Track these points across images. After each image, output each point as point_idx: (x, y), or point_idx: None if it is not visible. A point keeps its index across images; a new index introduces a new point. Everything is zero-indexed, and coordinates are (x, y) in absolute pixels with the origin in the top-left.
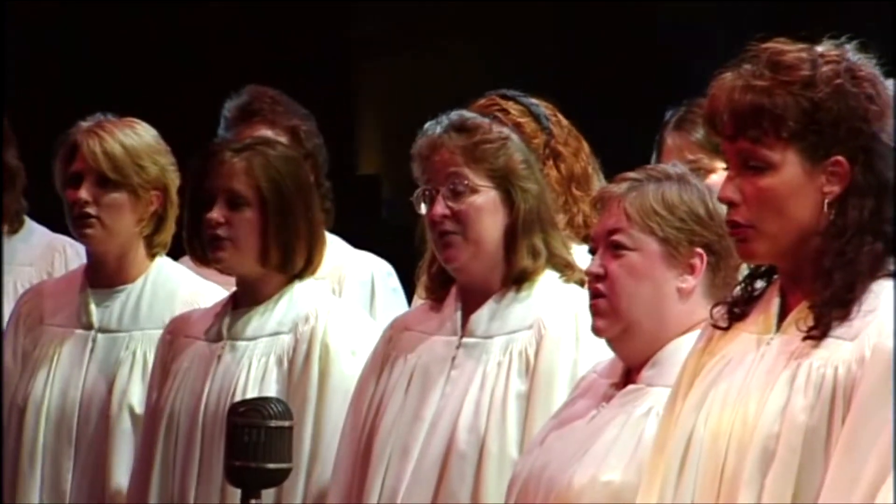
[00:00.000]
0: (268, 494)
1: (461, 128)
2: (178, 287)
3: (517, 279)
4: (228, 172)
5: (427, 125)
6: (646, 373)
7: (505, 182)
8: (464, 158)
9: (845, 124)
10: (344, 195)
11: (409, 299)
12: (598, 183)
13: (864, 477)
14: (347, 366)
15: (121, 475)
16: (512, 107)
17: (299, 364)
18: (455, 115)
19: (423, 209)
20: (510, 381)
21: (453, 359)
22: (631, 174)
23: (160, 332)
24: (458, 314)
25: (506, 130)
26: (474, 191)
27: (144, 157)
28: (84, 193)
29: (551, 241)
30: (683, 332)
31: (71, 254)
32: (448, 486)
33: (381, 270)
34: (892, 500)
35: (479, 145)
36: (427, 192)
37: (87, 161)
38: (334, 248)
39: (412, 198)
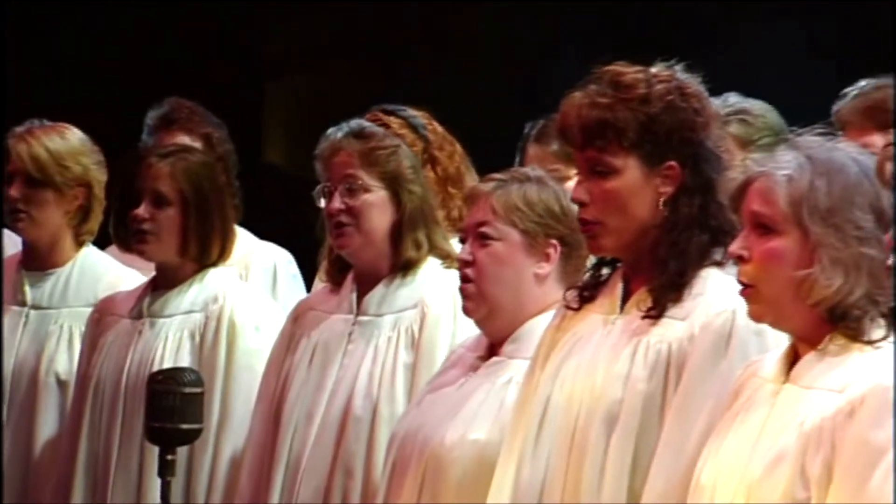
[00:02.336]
0: (181, 451)
1: (359, 135)
2: (101, 271)
3: (403, 266)
4: (154, 175)
5: (330, 130)
6: (507, 347)
7: (394, 184)
8: (359, 161)
9: (677, 134)
10: (251, 191)
11: (308, 283)
12: (471, 181)
13: (693, 436)
14: (252, 340)
15: (46, 433)
16: (392, 120)
17: (209, 338)
18: (355, 123)
19: (322, 203)
20: (398, 354)
21: (350, 335)
22: (497, 175)
23: (85, 309)
24: (354, 296)
25: (397, 140)
26: (367, 190)
27: (68, 158)
28: (15, 191)
29: (433, 235)
30: (539, 312)
31: (9, 243)
32: (346, 445)
33: (282, 258)
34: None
35: (373, 151)
36: (326, 189)
37: (16, 163)
38: (241, 238)
39: (313, 192)
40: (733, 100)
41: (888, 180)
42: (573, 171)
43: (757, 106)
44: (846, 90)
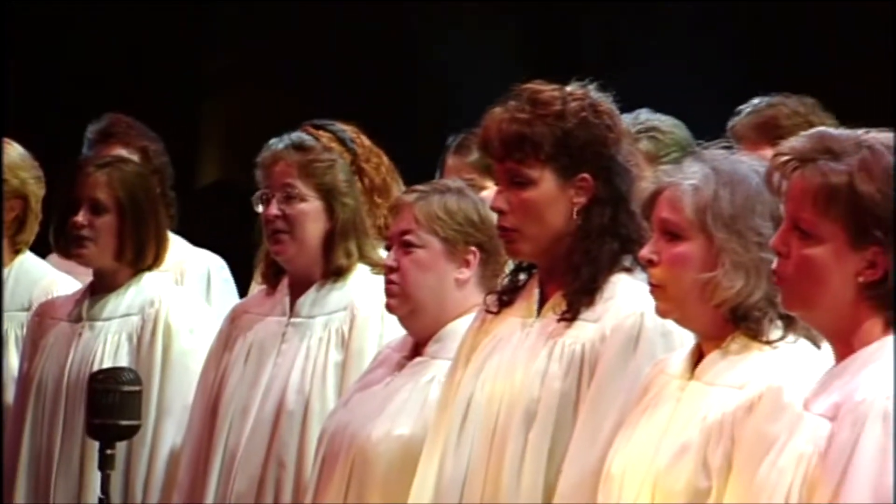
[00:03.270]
0: (120, 446)
1: (299, 147)
2: (37, 276)
3: (335, 272)
4: (92, 183)
5: (272, 140)
6: (430, 347)
7: (328, 195)
8: (297, 172)
9: (590, 148)
10: (186, 202)
11: (241, 286)
12: (398, 191)
13: (604, 430)
14: (186, 341)
15: None
16: (322, 134)
17: (146, 340)
18: (295, 135)
19: (260, 208)
20: (329, 353)
21: (283, 335)
22: (420, 186)
23: (21, 313)
24: (287, 299)
25: (334, 154)
26: (303, 199)
27: (7, 171)
28: None
29: (363, 244)
30: (461, 315)
31: None
32: (280, 438)
33: (215, 264)
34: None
35: (311, 163)
36: (265, 196)
37: None
38: (176, 246)
39: (252, 198)
40: (644, 116)
41: (776, 188)
42: (488, 182)
43: (666, 122)
44: (740, 107)
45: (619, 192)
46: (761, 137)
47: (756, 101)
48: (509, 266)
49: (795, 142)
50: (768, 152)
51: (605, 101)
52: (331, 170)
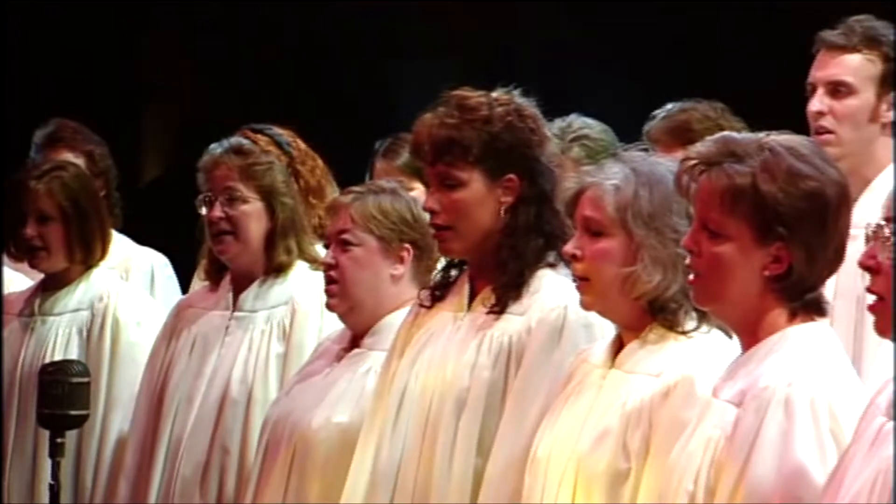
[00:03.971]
0: (71, 435)
1: (238, 151)
2: None
3: (276, 269)
4: (34, 196)
5: (212, 146)
6: (367, 340)
7: (268, 196)
8: (238, 175)
9: (515, 151)
10: (131, 203)
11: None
12: (332, 192)
13: (530, 416)
14: (133, 334)
15: None
16: (259, 137)
17: (95, 333)
18: (234, 140)
19: (203, 211)
20: (271, 345)
21: (227, 328)
22: (355, 188)
23: None
24: (230, 294)
25: (272, 156)
26: (245, 201)
27: None
28: None
29: (302, 242)
30: (396, 308)
31: None
32: (224, 426)
33: (159, 262)
34: None
35: (251, 166)
36: (207, 198)
37: None
38: (122, 244)
39: (196, 201)
40: (576, 124)
41: (685, 190)
42: (416, 183)
43: (596, 129)
44: (655, 112)
45: (543, 192)
46: (674, 140)
47: (669, 106)
48: (441, 262)
49: (702, 146)
50: (681, 155)
51: (529, 105)
52: (270, 172)
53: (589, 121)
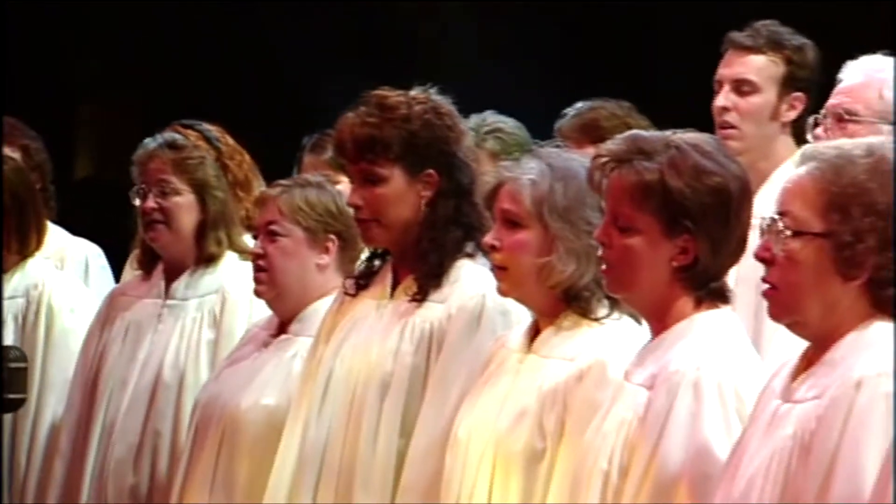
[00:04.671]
0: (7, 418)
1: (172, 145)
2: None
3: (207, 259)
4: None
5: (146, 140)
6: (294, 326)
7: (200, 189)
8: (171, 168)
9: (434, 147)
10: (65, 196)
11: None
12: (258, 186)
13: (451, 399)
14: (67, 321)
15: None
16: (190, 133)
17: (31, 320)
18: (168, 135)
19: (137, 202)
20: (202, 332)
21: (159, 316)
22: (283, 181)
23: None
24: (163, 283)
25: (203, 151)
26: (177, 193)
27: None
28: None
29: (232, 233)
30: (322, 296)
31: None
32: (157, 409)
33: (93, 252)
34: None
35: (183, 160)
36: (141, 190)
37: None
38: (57, 235)
39: (130, 193)
40: (491, 119)
41: (597, 186)
42: (341, 177)
43: (510, 124)
44: (566, 110)
45: (461, 186)
46: (584, 137)
47: (579, 104)
48: (365, 253)
49: (612, 144)
50: (591, 151)
51: (446, 103)
52: (201, 166)
53: (502, 117)
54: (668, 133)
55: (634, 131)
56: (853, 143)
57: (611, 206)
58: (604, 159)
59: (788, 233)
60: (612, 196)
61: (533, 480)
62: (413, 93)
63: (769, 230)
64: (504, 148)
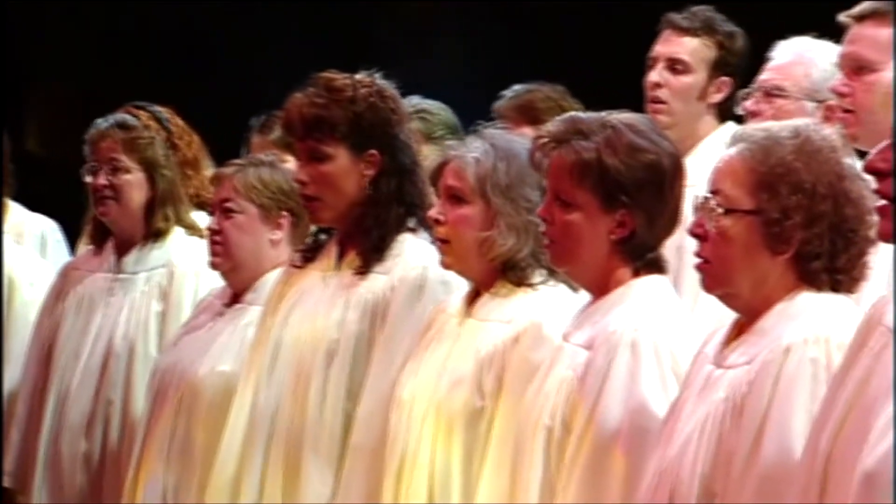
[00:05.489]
0: None
1: (123, 125)
2: None
3: (155, 234)
4: None
5: (99, 120)
6: (248, 296)
7: (149, 167)
8: (122, 147)
9: (378, 129)
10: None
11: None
12: (206, 165)
13: (395, 364)
14: (27, 294)
15: None
16: (142, 114)
17: None
18: (119, 115)
19: (89, 179)
20: (151, 304)
21: (110, 289)
22: (237, 161)
23: None
24: (113, 258)
25: (153, 131)
26: (127, 171)
27: None
28: None
29: (180, 210)
30: (274, 269)
31: None
32: (108, 379)
33: (49, 227)
34: None
35: (134, 140)
36: (93, 168)
37: None
38: (15, 211)
39: (81, 170)
40: (415, 101)
41: (538, 165)
42: (288, 157)
43: (434, 106)
44: (503, 92)
45: (403, 166)
46: (521, 117)
47: (517, 87)
48: (313, 228)
49: (552, 125)
50: (527, 131)
51: (390, 87)
52: (151, 145)
53: (427, 100)
54: (603, 114)
55: (573, 113)
56: (780, 126)
57: (552, 184)
58: (544, 140)
59: (720, 210)
60: (553, 174)
61: (474, 437)
62: (358, 76)
63: (702, 208)
64: (428, 128)
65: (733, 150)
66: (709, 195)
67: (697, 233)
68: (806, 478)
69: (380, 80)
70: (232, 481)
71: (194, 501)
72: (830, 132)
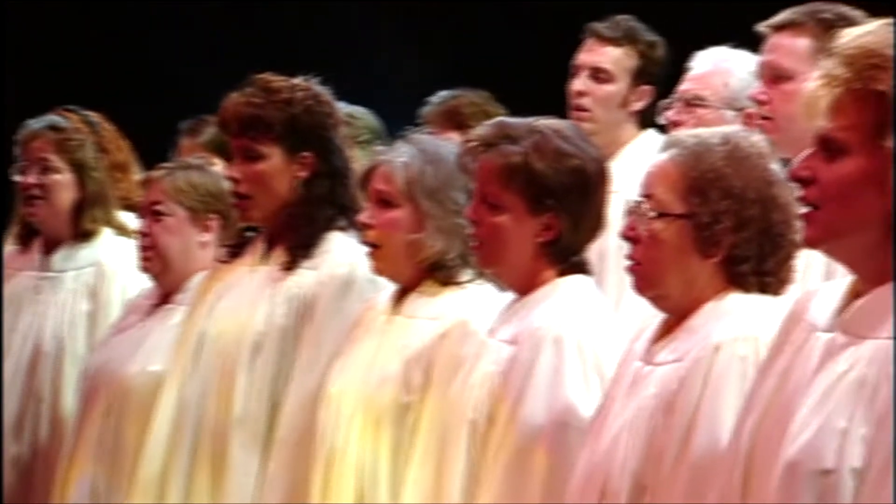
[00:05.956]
0: None
1: (54, 127)
2: None
3: (84, 234)
4: None
5: (30, 121)
6: (177, 297)
7: (79, 169)
8: (53, 148)
9: (313, 131)
10: None
11: None
12: (134, 168)
13: (323, 358)
14: None
15: None
16: (73, 117)
17: None
18: (51, 117)
19: (18, 178)
20: (80, 303)
21: (37, 287)
22: (167, 164)
23: None
24: (40, 255)
25: (84, 134)
26: (57, 171)
27: None
28: None
29: (108, 211)
30: (202, 270)
31: None
32: (37, 377)
33: None
34: None
35: (64, 141)
36: (23, 167)
37: None
38: None
39: (9, 170)
40: (340, 105)
41: (467, 168)
42: (217, 160)
43: (359, 111)
44: (429, 98)
45: (336, 169)
46: (446, 123)
47: (443, 93)
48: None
49: (481, 129)
50: (454, 136)
51: (326, 92)
52: (82, 147)
53: (352, 106)
54: (531, 120)
55: (501, 118)
56: (711, 132)
57: (480, 187)
58: (473, 143)
59: (652, 214)
60: (482, 177)
61: (401, 432)
62: (295, 80)
63: (634, 211)
64: (353, 132)
65: (665, 156)
66: (641, 199)
67: (629, 236)
68: (730, 468)
69: (316, 85)
70: (158, 475)
71: (124, 501)
72: (759, 139)
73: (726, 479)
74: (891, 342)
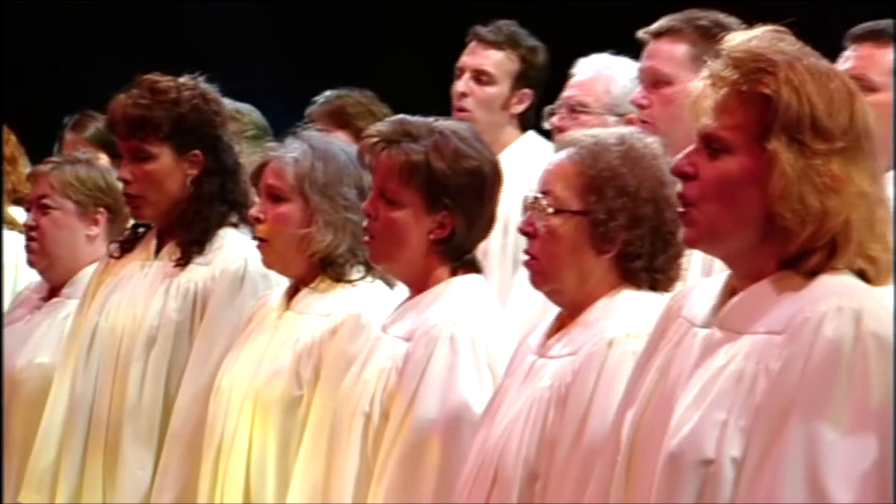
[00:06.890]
0: None
1: None
2: None
3: None
4: None
5: None
6: (65, 290)
7: None
8: None
9: (201, 130)
10: None
11: None
12: (23, 162)
13: (215, 353)
14: None
15: None
16: None
17: None
18: None
19: None
20: None
21: None
22: (55, 158)
23: None
24: None
25: None
26: None
27: None
28: None
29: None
30: (90, 264)
31: None
32: None
33: None
34: None
35: None
36: None
37: None
38: None
39: None
40: (226, 102)
41: (366, 164)
42: (101, 154)
43: (244, 108)
44: (315, 98)
45: (225, 166)
46: (333, 121)
47: (328, 93)
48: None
49: (382, 126)
50: (340, 135)
51: (212, 90)
52: None
53: (237, 103)
54: (430, 119)
55: (402, 116)
56: (608, 132)
57: (379, 182)
58: (374, 140)
59: (550, 210)
60: (381, 173)
61: (291, 425)
62: (182, 79)
63: (532, 207)
64: (240, 128)
65: (563, 154)
66: (539, 195)
67: (527, 231)
68: (608, 461)
69: (203, 84)
70: (51, 468)
71: (13, 495)
72: (652, 140)
73: (603, 470)
74: (766, 336)
